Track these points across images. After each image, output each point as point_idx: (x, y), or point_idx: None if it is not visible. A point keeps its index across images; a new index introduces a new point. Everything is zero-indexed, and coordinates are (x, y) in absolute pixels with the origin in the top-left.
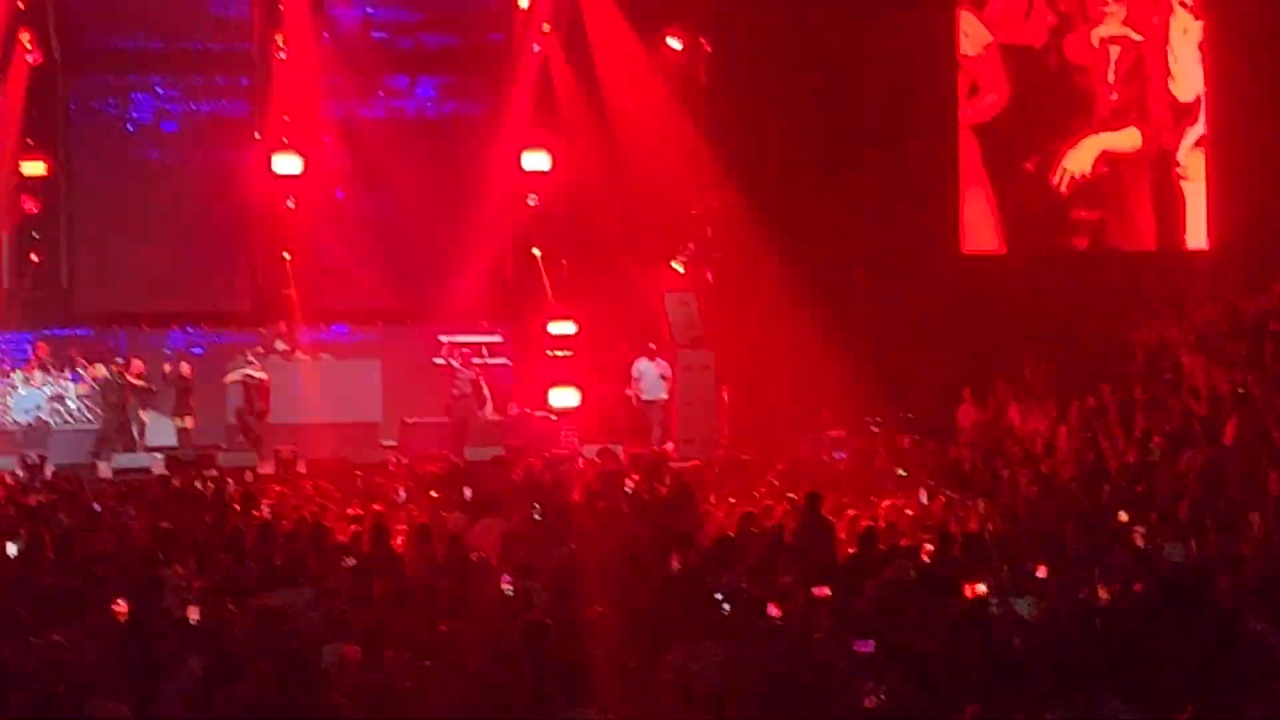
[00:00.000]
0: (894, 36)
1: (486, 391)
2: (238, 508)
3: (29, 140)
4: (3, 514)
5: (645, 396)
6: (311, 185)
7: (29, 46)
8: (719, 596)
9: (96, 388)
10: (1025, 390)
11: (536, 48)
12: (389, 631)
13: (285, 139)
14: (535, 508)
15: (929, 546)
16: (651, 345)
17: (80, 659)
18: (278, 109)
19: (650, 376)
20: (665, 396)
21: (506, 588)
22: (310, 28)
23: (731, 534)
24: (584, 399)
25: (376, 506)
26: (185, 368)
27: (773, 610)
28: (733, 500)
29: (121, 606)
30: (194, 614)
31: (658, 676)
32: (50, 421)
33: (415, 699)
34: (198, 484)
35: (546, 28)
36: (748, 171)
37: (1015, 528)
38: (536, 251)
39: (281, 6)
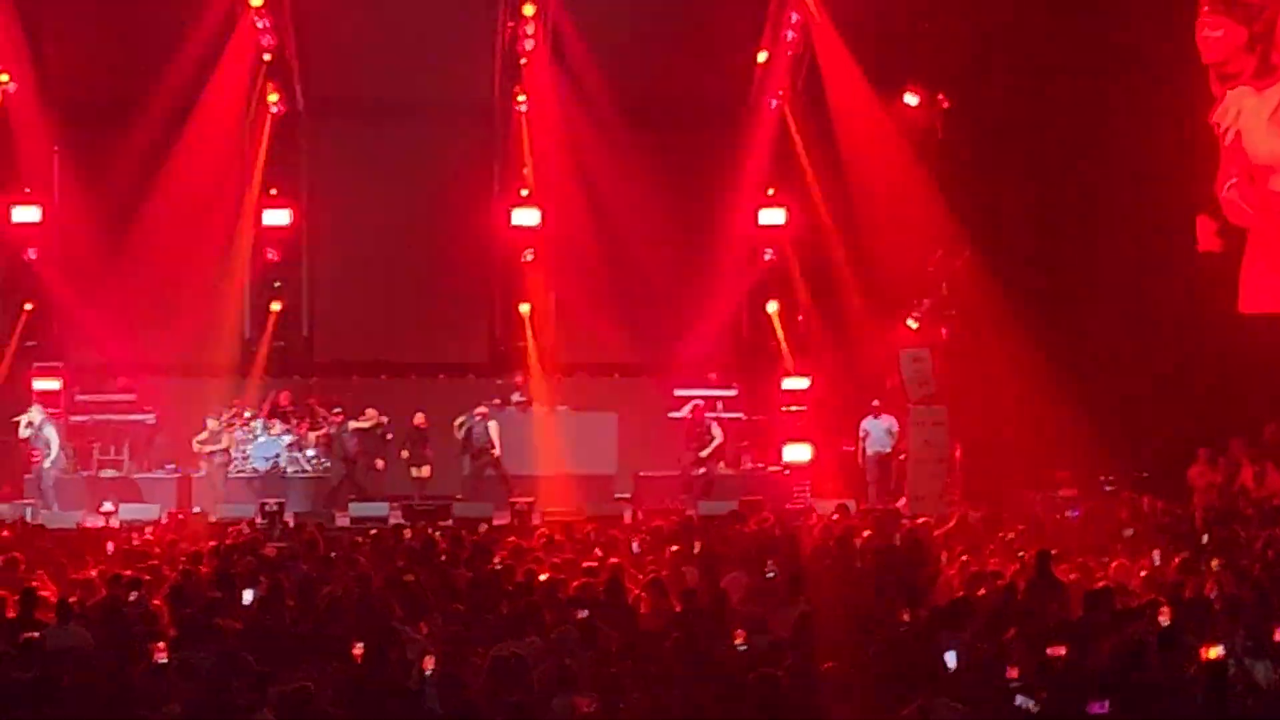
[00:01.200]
0: (1141, 93)
1: (721, 445)
2: (471, 558)
3: (272, 190)
4: (243, 561)
5: (870, 451)
6: (550, 237)
7: (274, 97)
8: (949, 655)
9: (335, 436)
10: (1262, 452)
11: (774, 103)
12: (621, 684)
13: (524, 191)
14: (768, 564)
15: (1165, 608)
16: (875, 403)
17: (317, 706)
18: (517, 161)
19: (877, 432)
20: (889, 451)
21: (740, 643)
22: (550, 81)
23: (962, 592)
24: (816, 454)
25: (613, 559)
26: (420, 418)
27: (1010, 672)
28: (964, 558)
29: (359, 650)
30: (430, 664)
31: None
32: (288, 469)
33: None
34: (433, 534)
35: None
36: (985, 227)
37: (1251, 591)
38: (772, 306)
39: (522, 59)
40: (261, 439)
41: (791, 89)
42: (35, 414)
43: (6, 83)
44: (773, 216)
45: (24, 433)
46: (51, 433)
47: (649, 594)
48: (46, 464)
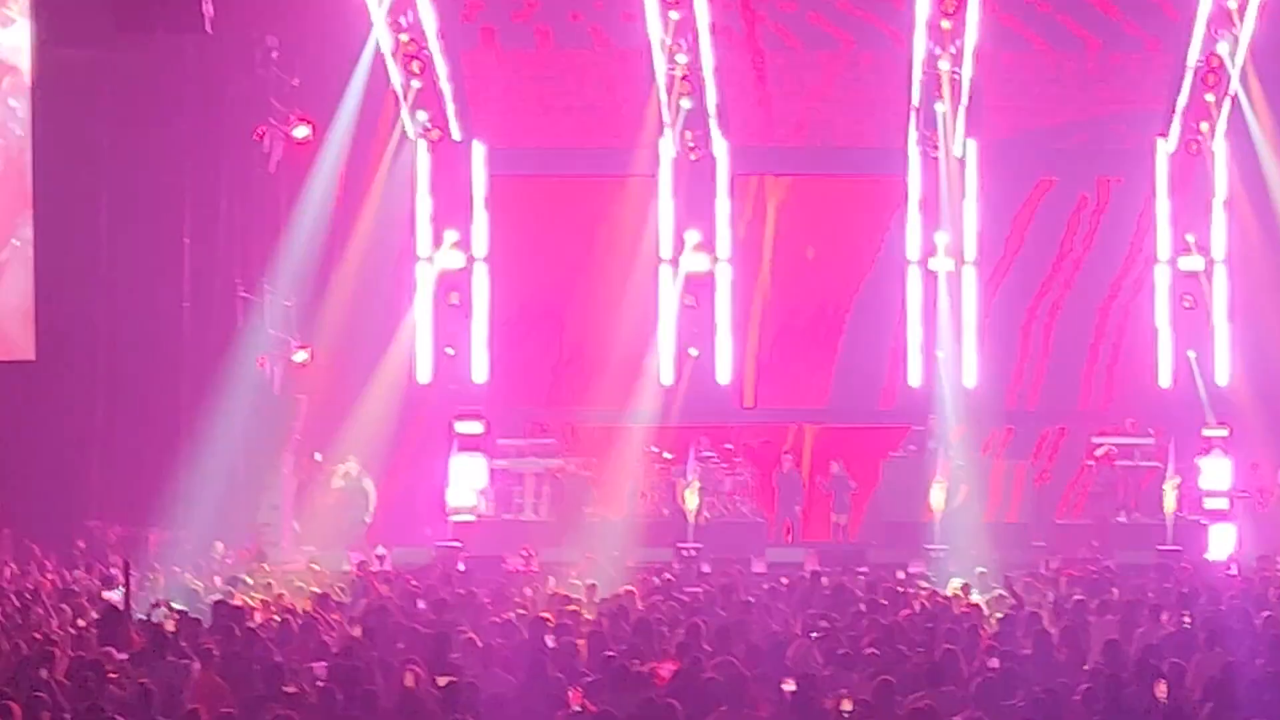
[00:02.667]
0: None
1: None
2: (886, 604)
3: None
4: (665, 605)
5: None
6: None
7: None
8: None
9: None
10: None
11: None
12: None
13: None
14: (1197, 618)
15: None
16: None
17: None
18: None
19: None
20: None
21: (1161, 691)
22: None
23: None
24: (1234, 503)
25: (1027, 610)
26: (836, 466)
27: None
28: None
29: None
30: (847, 705)
31: None
32: (706, 514)
33: None
34: (848, 581)
35: (1205, 126)
36: None
37: None
38: (1191, 354)
39: None
40: (679, 483)
41: (1212, 133)
42: (353, 466)
43: (432, 131)
44: (1192, 264)
45: (338, 484)
46: (370, 485)
47: (1064, 642)
48: (366, 518)
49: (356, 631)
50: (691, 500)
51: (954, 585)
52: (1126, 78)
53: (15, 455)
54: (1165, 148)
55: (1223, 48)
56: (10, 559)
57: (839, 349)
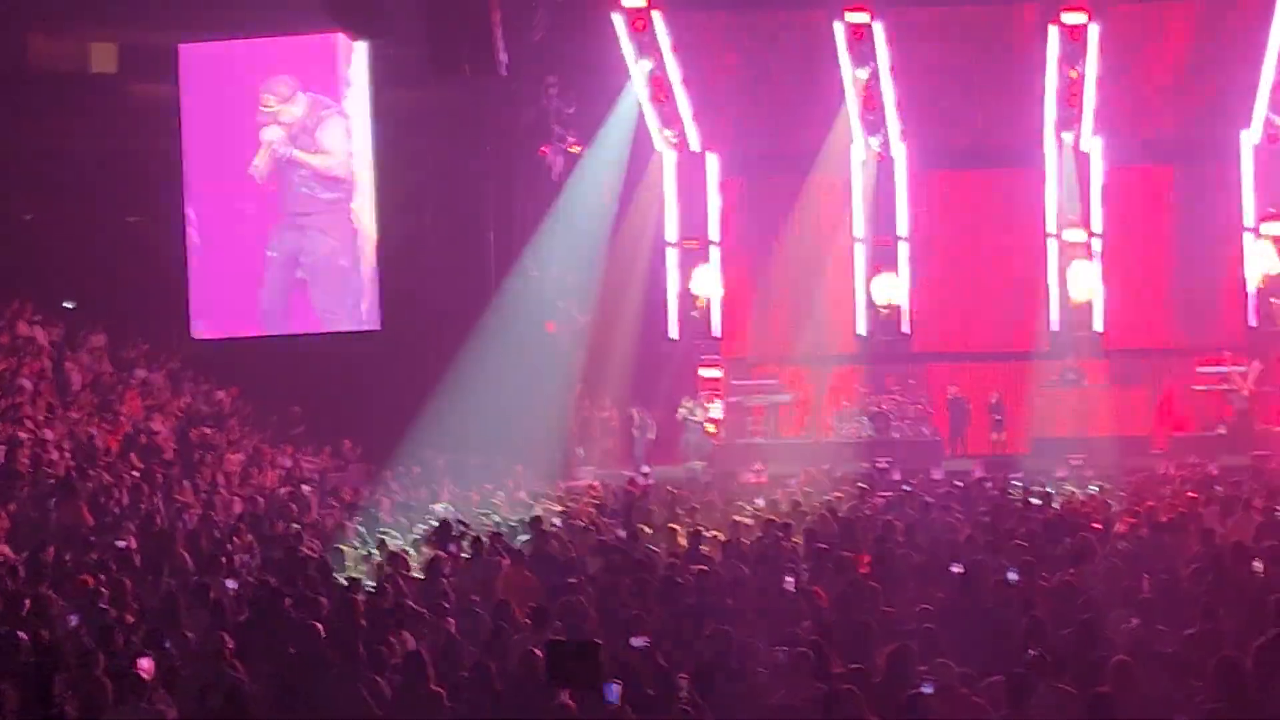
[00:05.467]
0: None
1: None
2: (1040, 504)
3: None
4: (864, 507)
5: None
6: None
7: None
8: None
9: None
10: None
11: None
12: (1159, 606)
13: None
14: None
15: None
16: None
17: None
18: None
19: None
20: None
21: (1257, 566)
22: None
23: None
24: None
25: (1150, 503)
26: (995, 395)
27: None
28: None
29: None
30: (1013, 576)
31: None
32: (893, 435)
33: (1184, 663)
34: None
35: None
36: None
37: None
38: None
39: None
40: (873, 410)
41: None
42: (689, 405)
43: (676, 144)
44: (1275, 228)
45: (683, 415)
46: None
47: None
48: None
49: (622, 533)
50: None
51: (1091, 489)
52: (1215, 82)
53: (367, 400)
54: (1249, 138)
55: None
56: (361, 482)
57: (995, 302)
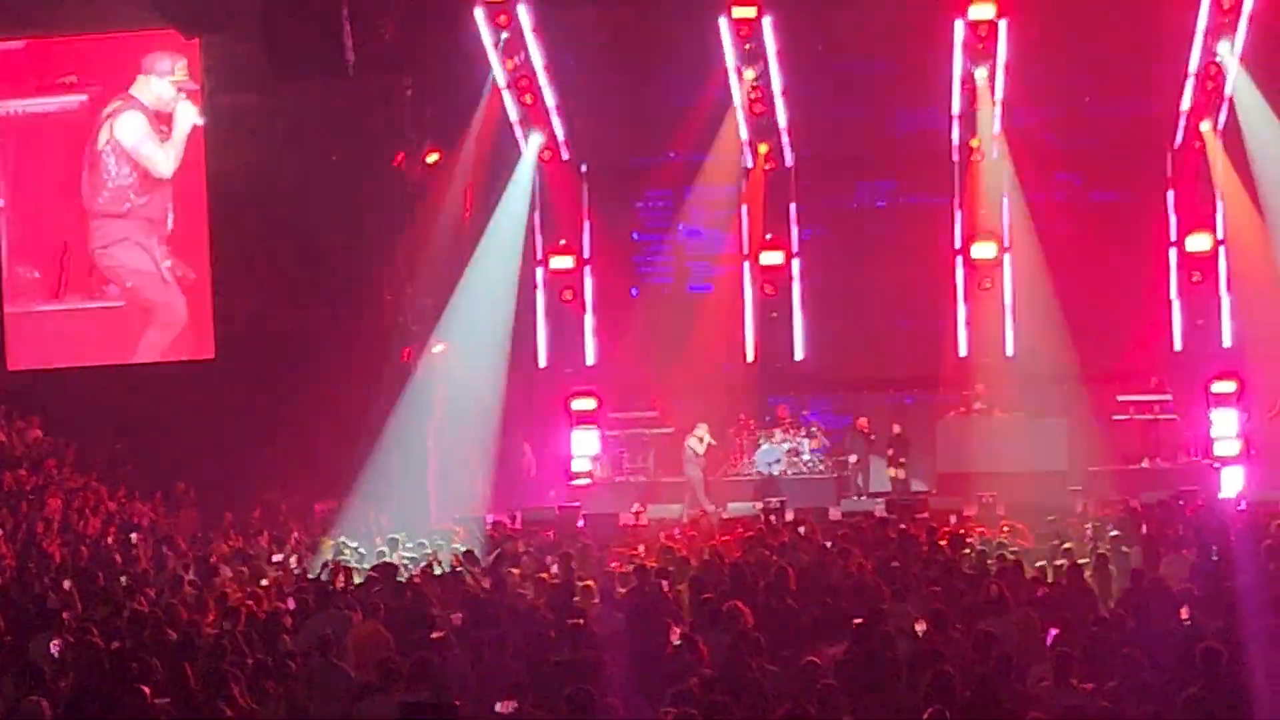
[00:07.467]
0: None
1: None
2: (945, 545)
3: (768, 235)
4: (756, 552)
5: None
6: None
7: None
8: None
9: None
10: None
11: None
12: (1075, 657)
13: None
14: (1212, 548)
15: None
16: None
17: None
18: (970, 202)
19: None
20: None
21: (1185, 616)
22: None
23: None
24: (1245, 448)
25: (1067, 544)
26: (897, 427)
27: None
28: None
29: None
30: (921, 628)
31: None
32: (787, 471)
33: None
34: (907, 526)
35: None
36: None
37: None
38: (1200, 321)
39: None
40: (765, 446)
41: (1213, 126)
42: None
43: (545, 152)
44: (1199, 243)
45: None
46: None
47: (1096, 575)
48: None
49: (487, 583)
50: (776, 460)
51: (1003, 525)
52: (1137, 86)
53: (200, 438)
54: (1172, 145)
55: (1222, 50)
56: (197, 529)
57: (898, 327)
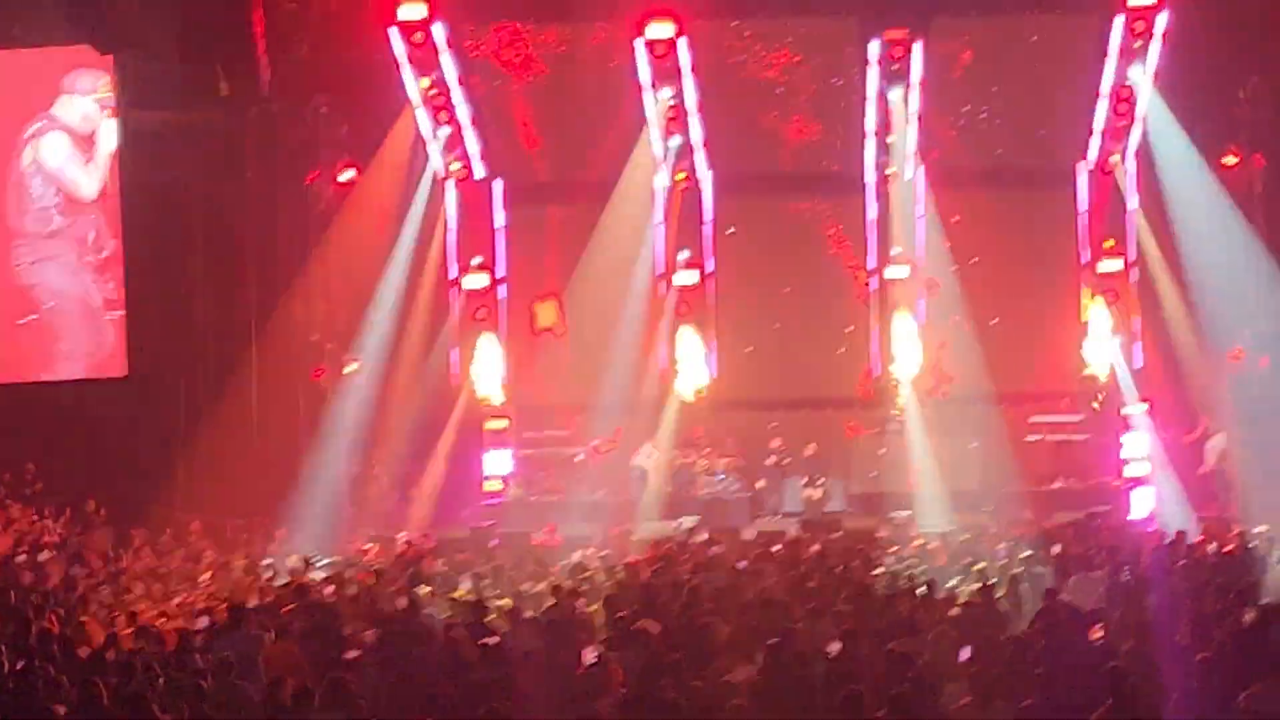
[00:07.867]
0: None
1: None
2: (858, 565)
3: (684, 251)
4: (669, 572)
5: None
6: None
7: (681, 176)
8: None
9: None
10: None
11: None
12: (989, 676)
13: (896, 249)
14: (1124, 569)
15: None
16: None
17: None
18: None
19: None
20: (1211, 467)
21: (1097, 635)
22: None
23: None
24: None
25: (980, 565)
26: (811, 447)
27: None
28: None
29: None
30: (834, 647)
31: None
32: (701, 492)
33: None
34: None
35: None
36: None
37: None
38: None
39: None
40: (678, 464)
41: (1124, 153)
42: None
43: (459, 170)
44: (1111, 265)
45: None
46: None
47: (1009, 594)
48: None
49: (401, 603)
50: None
51: (916, 545)
52: (1050, 105)
53: (112, 456)
54: (1084, 167)
55: (1134, 73)
56: (110, 546)
57: (814, 347)
